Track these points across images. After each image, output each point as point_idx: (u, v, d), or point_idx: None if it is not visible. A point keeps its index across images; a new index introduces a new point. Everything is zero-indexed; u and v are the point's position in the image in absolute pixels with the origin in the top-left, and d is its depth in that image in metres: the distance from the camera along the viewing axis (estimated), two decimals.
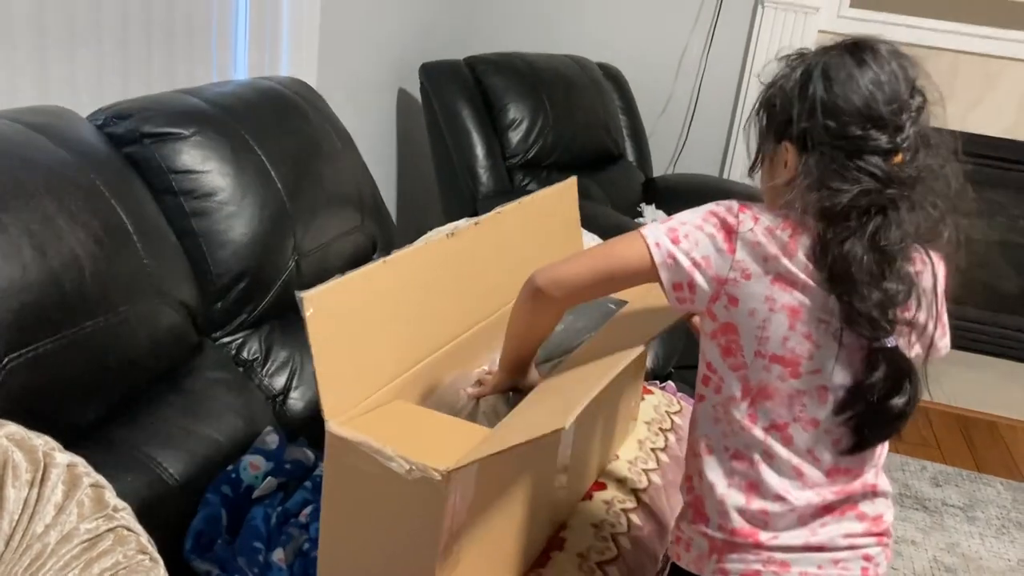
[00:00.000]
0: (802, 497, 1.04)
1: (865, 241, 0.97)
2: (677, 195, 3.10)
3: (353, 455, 0.97)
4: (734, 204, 1.03)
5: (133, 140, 1.47)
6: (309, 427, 1.57)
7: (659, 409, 1.74)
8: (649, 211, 1.78)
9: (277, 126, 1.71)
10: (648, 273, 1.05)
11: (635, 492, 1.48)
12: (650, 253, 1.03)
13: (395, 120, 3.20)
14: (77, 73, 1.71)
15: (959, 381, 3.37)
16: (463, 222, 2.08)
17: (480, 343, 1.30)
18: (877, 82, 0.99)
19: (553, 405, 1.01)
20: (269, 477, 1.32)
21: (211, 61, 2.10)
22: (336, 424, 0.98)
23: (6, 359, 1.09)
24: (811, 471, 1.05)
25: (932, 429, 3.01)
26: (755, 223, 1.01)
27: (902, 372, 0.99)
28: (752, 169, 1.11)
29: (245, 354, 1.55)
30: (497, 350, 1.27)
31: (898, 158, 0.99)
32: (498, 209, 1.29)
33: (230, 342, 1.55)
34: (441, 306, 1.20)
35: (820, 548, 1.05)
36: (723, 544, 1.08)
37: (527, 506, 1.19)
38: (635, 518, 1.42)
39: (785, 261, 1.00)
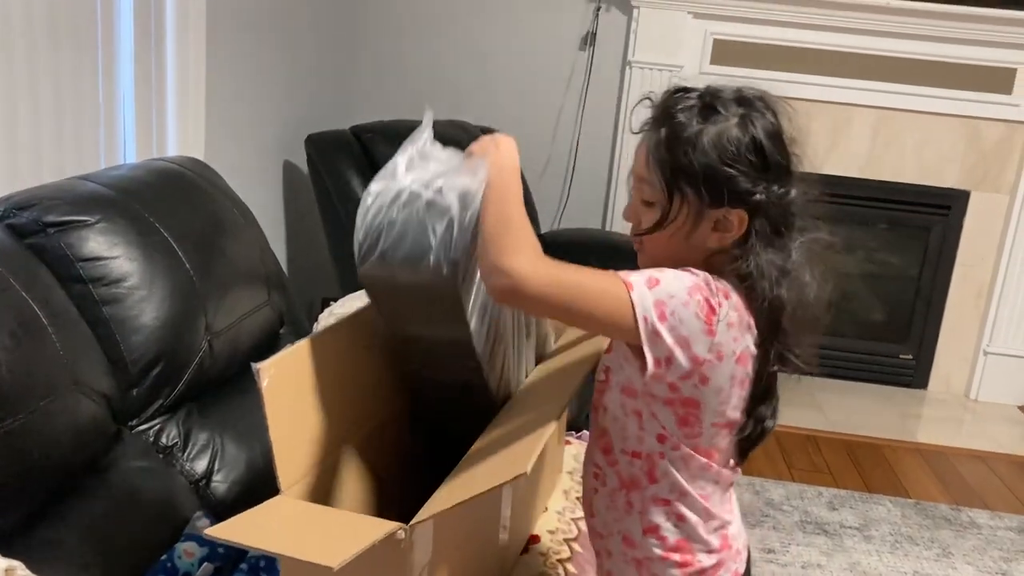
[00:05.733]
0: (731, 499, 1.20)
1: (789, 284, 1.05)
2: (567, 250, 3.18)
3: None
4: (711, 280, 1.03)
5: (36, 230, 1.44)
6: (236, 509, 1.54)
7: (579, 458, 1.78)
8: None
9: (179, 205, 1.70)
10: (626, 336, 1.02)
11: (567, 542, 1.52)
12: (636, 325, 0.99)
13: (282, 192, 3.20)
14: None
15: (840, 408, 3.57)
16: None
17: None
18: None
19: (503, 460, 1.04)
20: (205, 563, 1.30)
21: (99, 147, 2.06)
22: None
23: None
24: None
25: (823, 456, 3.17)
26: (727, 300, 1.02)
27: (775, 398, 1.11)
28: (663, 225, 1.06)
29: (164, 440, 1.52)
30: None
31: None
32: None
33: (147, 429, 1.51)
34: (380, 369, 1.22)
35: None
36: (715, 564, 1.14)
37: (476, 566, 1.21)
38: (571, 567, 1.46)
39: (748, 338, 1.05)
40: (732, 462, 1.14)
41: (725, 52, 3.59)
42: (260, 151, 2.95)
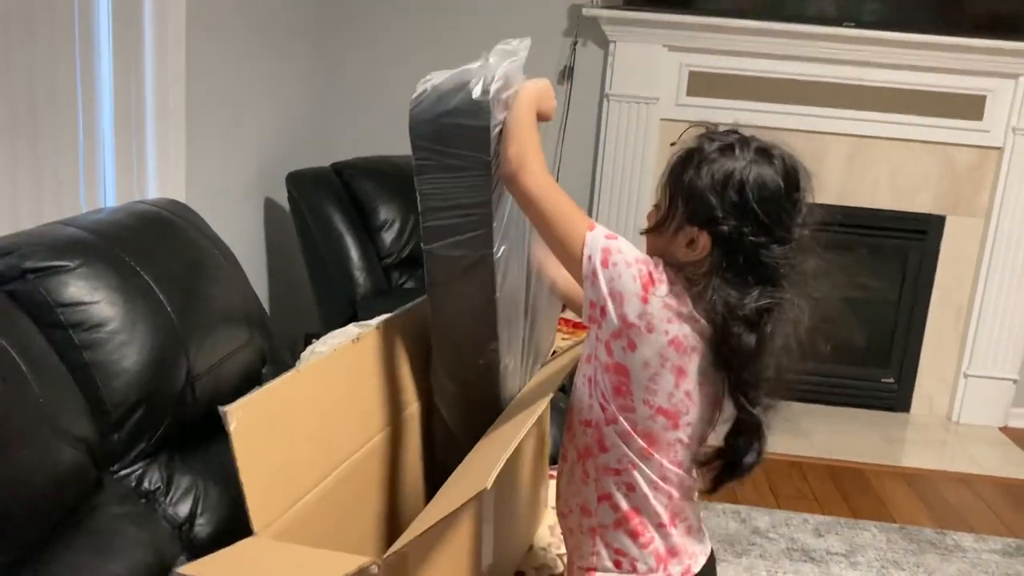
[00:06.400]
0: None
1: (758, 337, 1.12)
2: None
3: None
4: (660, 262, 1.16)
5: (15, 277, 1.44)
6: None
7: None
8: None
9: (160, 249, 1.70)
10: (572, 267, 1.15)
11: None
12: (581, 260, 1.14)
13: (263, 230, 3.20)
14: None
15: (824, 434, 3.58)
16: (355, 327, 2.11)
17: (395, 440, 1.33)
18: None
19: (470, 479, 1.05)
20: None
21: (79, 191, 2.07)
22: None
23: None
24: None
25: (808, 482, 3.18)
26: (669, 286, 1.12)
27: (759, 435, 1.17)
28: (659, 227, 1.18)
29: (146, 484, 1.51)
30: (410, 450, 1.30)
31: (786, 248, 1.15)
32: (397, 311, 1.34)
33: (129, 474, 1.50)
34: (354, 409, 1.23)
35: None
36: (667, 551, 1.22)
37: None
38: None
39: (687, 328, 1.13)
40: (694, 474, 1.21)
41: (701, 84, 3.63)
42: (241, 189, 2.96)
